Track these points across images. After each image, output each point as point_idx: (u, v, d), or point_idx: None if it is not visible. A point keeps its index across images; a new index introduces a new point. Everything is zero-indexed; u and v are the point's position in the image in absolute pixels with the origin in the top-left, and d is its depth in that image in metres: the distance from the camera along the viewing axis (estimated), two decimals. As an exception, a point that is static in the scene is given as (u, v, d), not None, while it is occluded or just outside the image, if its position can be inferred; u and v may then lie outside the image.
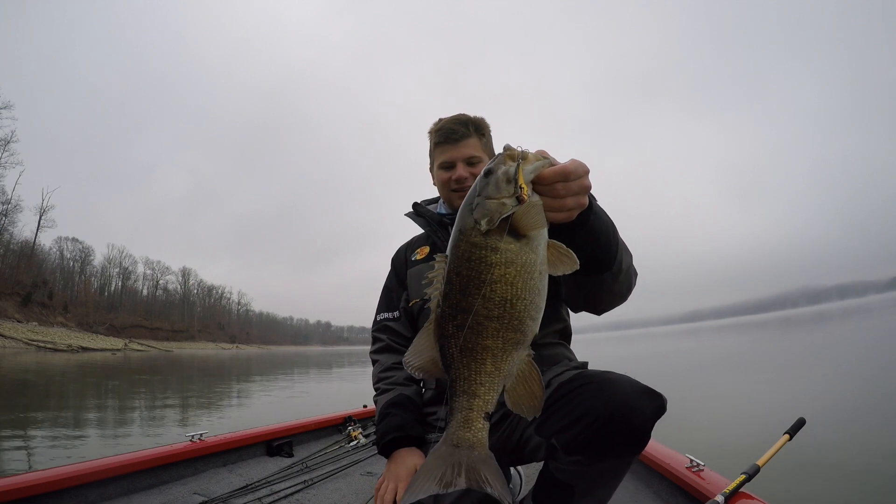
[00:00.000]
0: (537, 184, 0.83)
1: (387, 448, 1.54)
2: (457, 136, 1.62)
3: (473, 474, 0.84)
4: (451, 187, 1.65)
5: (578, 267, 0.83)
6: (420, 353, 0.88)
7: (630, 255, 1.22)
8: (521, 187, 0.78)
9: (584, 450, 1.17)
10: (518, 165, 0.79)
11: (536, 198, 0.82)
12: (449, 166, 1.64)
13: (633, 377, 1.22)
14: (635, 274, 1.27)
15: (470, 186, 1.60)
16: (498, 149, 1.73)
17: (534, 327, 0.83)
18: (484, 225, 0.79)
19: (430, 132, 1.71)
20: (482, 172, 0.85)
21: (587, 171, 0.89)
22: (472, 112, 1.69)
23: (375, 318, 1.85)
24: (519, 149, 0.82)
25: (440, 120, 1.70)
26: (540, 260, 0.80)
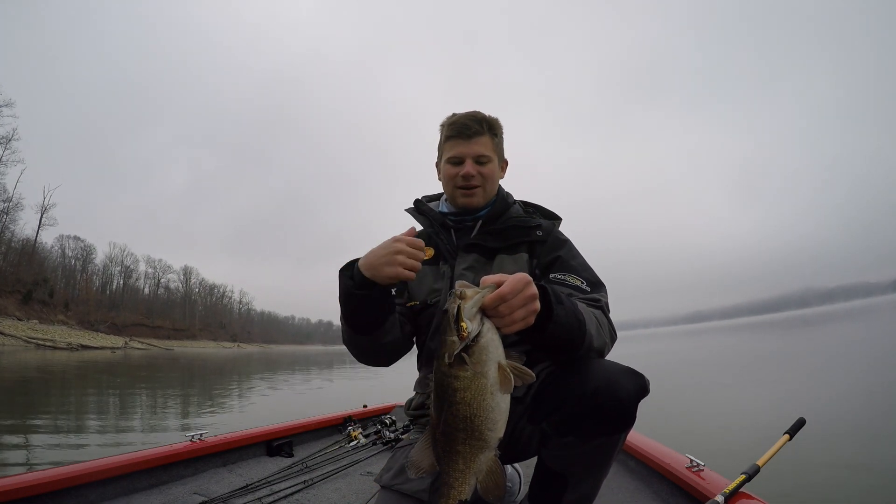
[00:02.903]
0: (485, 310, 1.00)
1: (345, 269, 1.36)
2: (470, 132, 1.57)
3: None
4: (456, 183, 1.60)
5: (519, 384, 0.99)
6: (424, 455, 1.07)
7: (602, 336, 1.29)
8: (461, 327, 0.96)
9: (574, 429, 1.22)
10: (459, 305, 0.97)
11: (488, 324, 0.99)
12: (457, 161, 1.59)
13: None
14: (612, 340, 1.36)
15: (476, 185, 1.60)
16: (508, 153, 1.73)
17: (495, 435, 1.01)
18: (446, 359, 0.98)
19: (441, 125, 1.65)
20: (442, 311, 1.01)
21: (526, 283, 1.01)
22: (482, 109, 1.66)
23: None
24: (458, 291, 0.99)
25: (454, 114, 1.63)
26: (491, 383, 0.98)
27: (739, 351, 23.86)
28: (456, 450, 1.02)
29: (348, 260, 1.39)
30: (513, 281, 1.00)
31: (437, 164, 1.71)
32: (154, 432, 6.91)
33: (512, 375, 0.99)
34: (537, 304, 1.05)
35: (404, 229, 1.76)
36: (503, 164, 1.71)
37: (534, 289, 1.03)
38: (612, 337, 1.35)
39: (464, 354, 0.97)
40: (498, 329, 1.01)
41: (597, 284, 1.49)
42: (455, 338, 0.97)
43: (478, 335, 0.96)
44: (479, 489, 1.04)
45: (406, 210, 1.77)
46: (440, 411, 1.02)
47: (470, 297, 0.99)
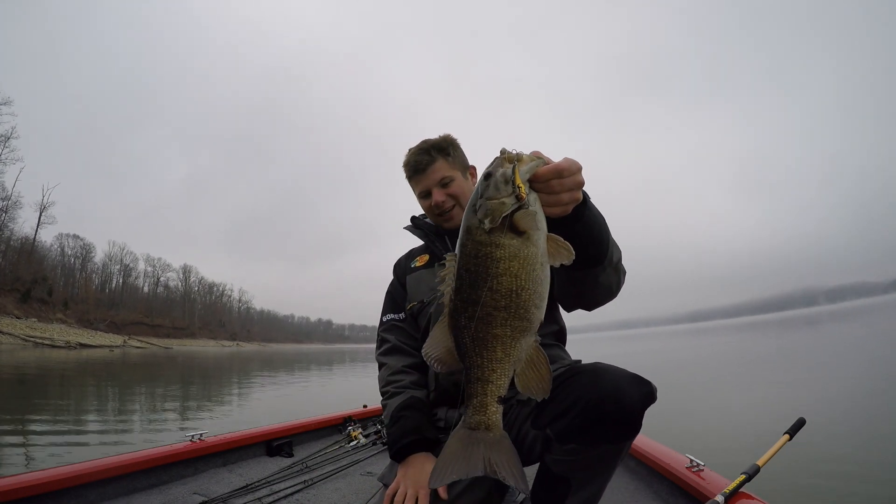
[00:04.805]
0: (534, 182, 0.90)
1: (402, 452, 1.54)
2: (423, 166, 1.68)
3: (489, 461, 0.93)
4: (434, 213, 1.72)
5: (574, 257, 0.89)
6: (437, 345, 0.95)
7: (619, 251, 1.25)
8: (518, 187, 0.85)
9: (578, 436, 1.20)
10: (514, 167, 0.86)
11: (534, 195, 0.89)
12: (426, 195, 1.71)
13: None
14: (624, 272, 1.30)
15: (450, 207, 1.67)
16: (479, 155, 1.79)
17: (539, 315, 0.90)
18: (487, 224, 0.85)
19: (402, 166, 1.77)
20: (482, 176, 0.90)
21: (580, 168, 0.94)
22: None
23: (382, 318, 1.89)
24: (514, 151, 0.89)
25: (409, 150, 1.76)
26: (541, 252, 0.87)
27: (740, 350, 23.87)
28: (493, 334, 0.88)
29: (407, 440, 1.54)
30: (570, 161, 0.92)
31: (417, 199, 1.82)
32: (151, 432, 6.90)
33: (567, 244, 0.88)
34: (581, 195, 0.98)
35: (406, 241, 1.94)
36: (470, 170, 1.80)
37: (583, 178, 0.96)
38: (623, 268, 1.30)
39: (515, 216, 0.84)
40: None
41: None
42: (506, 199, 0.85)
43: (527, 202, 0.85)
44: (518, 384, 0.92)
45: (405, 228, 1.90)
46: (473, 289, 0.87)
47: (526, 161, 0.88)
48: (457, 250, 0.92)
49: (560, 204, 0.94)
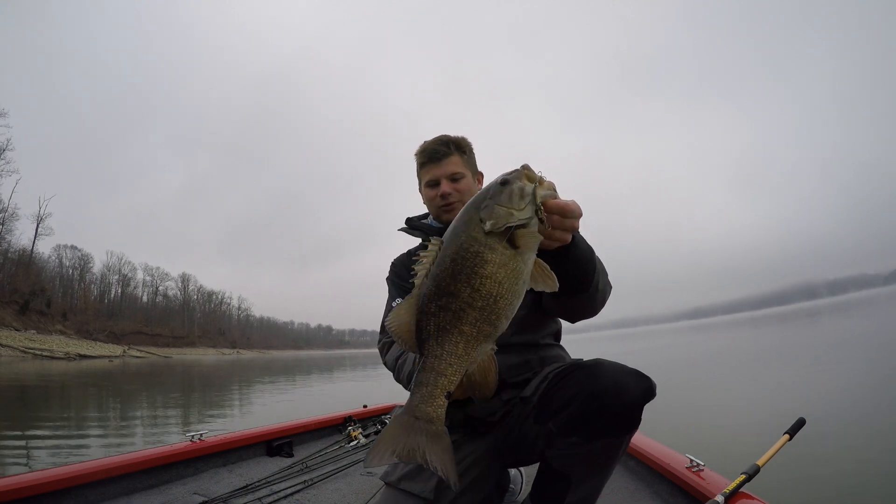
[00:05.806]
0: (544, 208, 0.92)
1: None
2: (439, 156, 1.71)
3: (425, 453, 0.92)
4: (437, 203, 1.74)
5: (557, 289, 0.91)
6: (398, 320, 0.95)
7: (606, 274, 1.31)
8: (538, 207, 0.88)
9: (579, 429, 1.23)
10: (535, 187, 0.89)
11: (535, 220, 0.90)
12: (434, 184, 1.73)
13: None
14: (610, 288, 1.36)
15: (455, 201, 1.69)
16: (507, 149, 1.79)
17: (503, 326, 0.92)
18: (489, 225, 0.87)
19: (415, 154, 1.80)
20: (499, 180, 0.92)
21: (581, 214, 0.99)
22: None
23: (391, 304, 1.82)
24: (539, 173, 0.91)
25: (424, 142, 1.78)
26: (526, 270, 0.89)
27: (740, 348, 23.73)
28: (460, 329, 0.88)
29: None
30: (576, 203, 0.97)
31: (420, 190, 1.84)
32: (153, 432, 6.87)
33: (552, 275, 0.91)
34: (570, 237, 1.04)
35: (403, 242, 1.94)
36: (478, 176, 1.83)
37: (579, 224, 1.01)
38: (609, 286, 1.36)
39: (518, 230, 0.87)
40: None
41: None
42: (515, 212, 0.87)
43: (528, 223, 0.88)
44: (466, 383, 0.94)
45: (399, 229, 1.90)
46: (454, 280, 0.88)
47: (546, 187, 0.91)
48: (445, 236, 0.92)
49: (552, 239, 0.98)
